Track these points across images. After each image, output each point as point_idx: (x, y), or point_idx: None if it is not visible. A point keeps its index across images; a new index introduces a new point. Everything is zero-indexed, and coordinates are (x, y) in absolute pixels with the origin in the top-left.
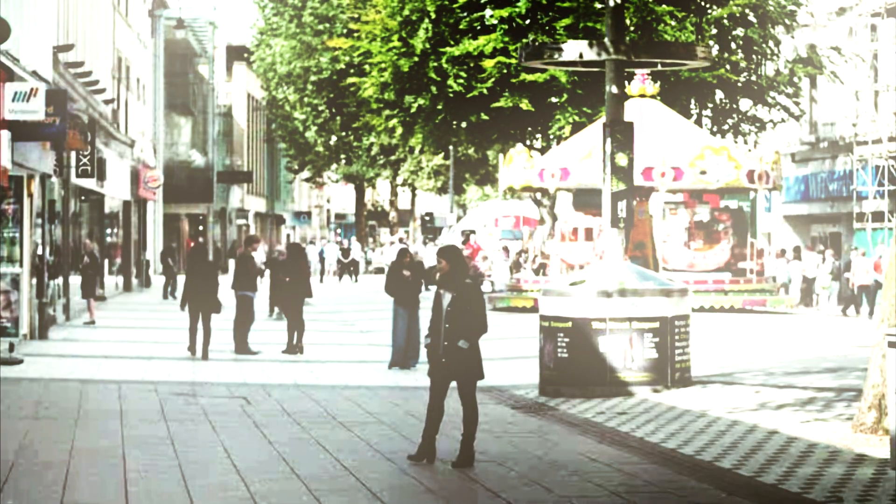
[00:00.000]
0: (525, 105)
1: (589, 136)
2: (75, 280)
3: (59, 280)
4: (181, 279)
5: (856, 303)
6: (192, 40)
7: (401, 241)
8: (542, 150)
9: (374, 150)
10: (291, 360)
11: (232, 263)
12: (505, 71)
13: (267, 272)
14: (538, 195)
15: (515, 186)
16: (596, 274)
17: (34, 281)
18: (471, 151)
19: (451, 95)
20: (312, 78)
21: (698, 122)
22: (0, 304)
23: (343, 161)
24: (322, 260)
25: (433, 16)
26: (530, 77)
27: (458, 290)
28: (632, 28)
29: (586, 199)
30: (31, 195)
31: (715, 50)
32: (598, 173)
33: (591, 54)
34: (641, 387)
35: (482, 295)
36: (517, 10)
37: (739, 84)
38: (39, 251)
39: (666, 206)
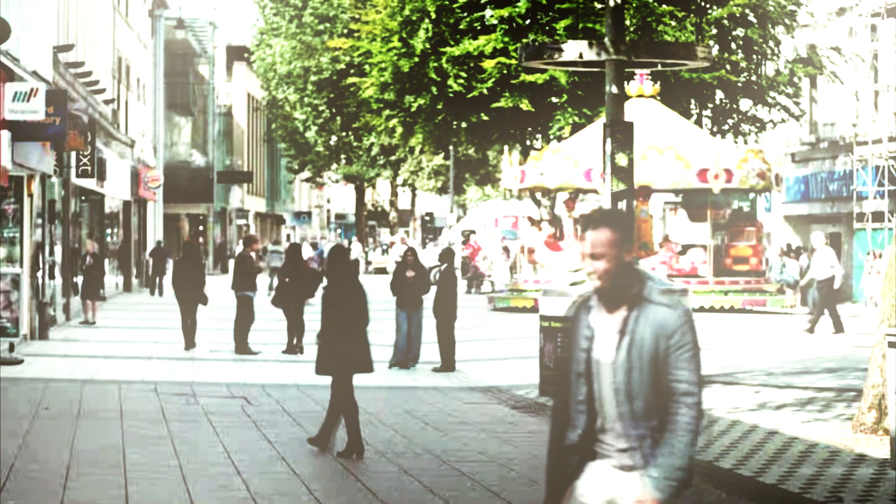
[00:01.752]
0: (525, 105)
1: (652, 138)
2: (77, 280)
3: (59, 280)
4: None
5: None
6: (192, 40)
7: (402, 241)
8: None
9: (375, 150)
10: (291, 360)
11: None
12: (505, 71)
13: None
14: (538, 195)
15: (549, 186)
16: None
17: (34, 281)
18: (471, 151)
19: (451, 95)
20: (312, 78)
21: (698, 123)
22: (0, 304)
23: (343, 161)
24: (322, 260)
25: (433, 16)
26: (530, 77)
27: (325, 290)
28: (632, 28)
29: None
30: (31, 195)
31: (715, 50)
32: (650, 173)
33: (591, 54)
34: None
35: (345, 292)
36: (517, 10)
37: (739, 84)
38: (40, 251)
39: (666, 205)
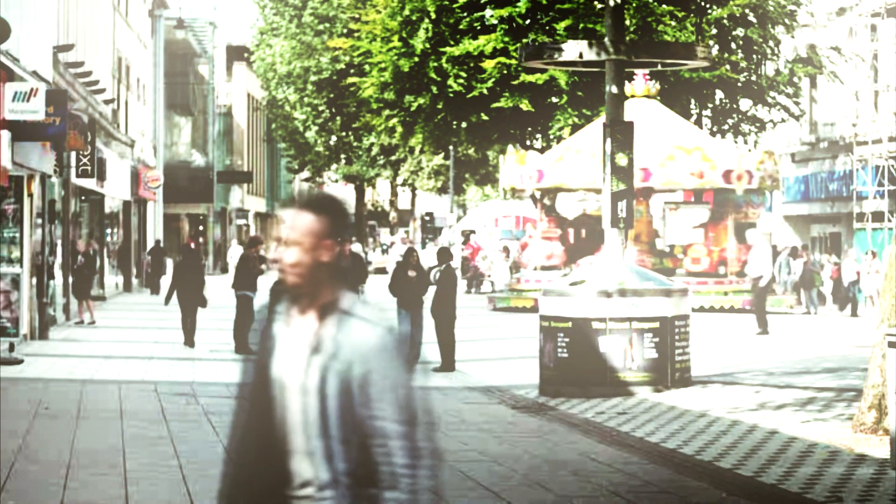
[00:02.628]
0: (525, 105)
1: (570, 140)
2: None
3: (59, 280)
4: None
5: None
6: (192, 40)
7: (403, 241)
8: (542, 151)
9: (374, 150)
10: None
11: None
12: (505, 71)
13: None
14: (537, 195)
15: (506, 187)
16: (596, 274)
17: (34, 281)
18: (471, 151)
19: (451, 95)
20: (312, 78)
21: (698, 122)
22: (0, 304)
23: (343, 161)
24: None
25: (433, 16)
26: (530, 78)
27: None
28: (632, 28)
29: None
30: (31, 195)
31: (715, 50)
32: (568, 175)
33: (590, 54)
34: (641, 387)
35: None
36: (517, 10)
37: (739, 84)
38: (40, 251)
39: (666, 205)
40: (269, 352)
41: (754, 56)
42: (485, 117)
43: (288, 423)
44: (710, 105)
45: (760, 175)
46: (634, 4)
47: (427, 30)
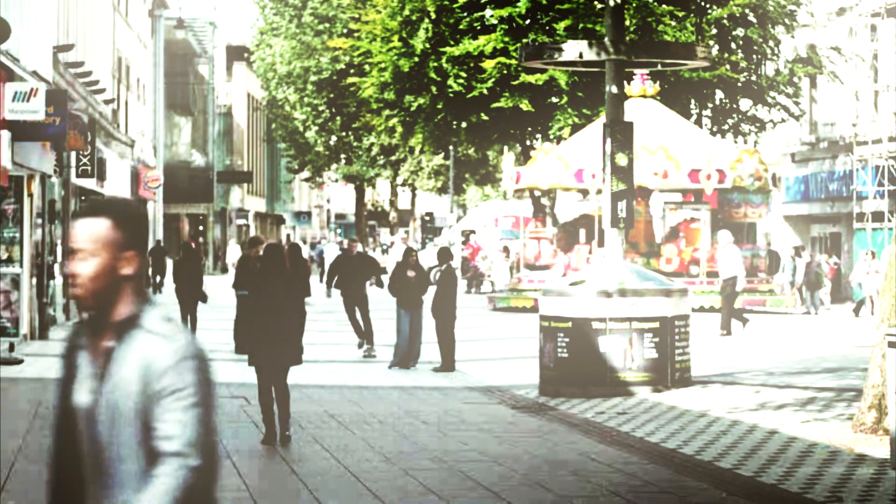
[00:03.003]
0: (525, 105)
1: (559, 145)
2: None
3: (59, 280)
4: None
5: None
6: (192, 40)
7: (403, 241)
8: None
9: (374, 150)
10: None
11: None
12: (505, 71)
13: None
14: (538, 195)
15: (500, 188)
16: (596, 274)
17: (34, 281)
18: (471, 151)
19: (451, 95)
20: (312, 78)
21: (698, 122)
22: (0, 304)
23: (343, 161)
24: (322, 260)
25: (433, 16)
26: (530, 78)
27: (255, 283)
28: (632, 28)
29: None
30: (31, 195)
31: (715, 50)
32: (537, 176)
33: (590, 54)
34: (641, 387)
35: (274, 289)
36: (517, 10)
37: (739, 84)
38: (40, 251)
39: (666, 205)
40: (71, 377)
41: (754, 56)
42: (485, 117)
43: (88, 454)
44: (710, 105)
45: (736, 174)
46: (634, 4)
47: (427, 30)
